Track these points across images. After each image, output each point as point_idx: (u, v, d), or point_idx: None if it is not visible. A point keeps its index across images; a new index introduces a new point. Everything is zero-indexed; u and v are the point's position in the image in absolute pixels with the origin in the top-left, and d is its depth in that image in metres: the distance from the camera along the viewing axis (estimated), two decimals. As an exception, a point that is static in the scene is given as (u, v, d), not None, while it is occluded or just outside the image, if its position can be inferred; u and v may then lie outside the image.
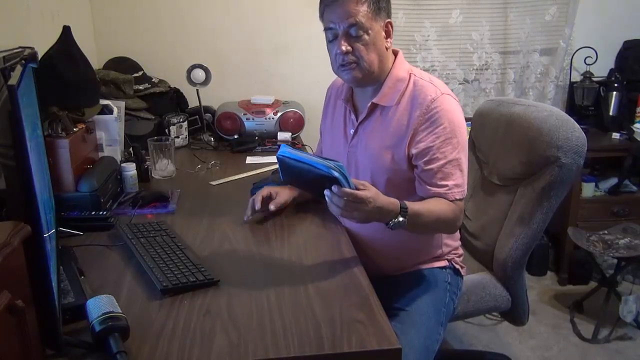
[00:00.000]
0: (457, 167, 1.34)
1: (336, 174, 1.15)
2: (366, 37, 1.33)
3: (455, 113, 1.35)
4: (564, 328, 2.38)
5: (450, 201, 1.33)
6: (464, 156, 1.36)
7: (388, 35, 1.38)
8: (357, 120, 1.47)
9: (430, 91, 1.36)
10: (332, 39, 1.37)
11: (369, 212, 1.18)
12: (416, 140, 1.35)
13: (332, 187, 1.16)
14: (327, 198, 1.18)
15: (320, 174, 1.16)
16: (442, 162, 1.33)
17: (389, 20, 1.38)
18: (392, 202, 1.24)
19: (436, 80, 1.41)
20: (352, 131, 1.48)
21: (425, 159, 1.34)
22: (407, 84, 1.40)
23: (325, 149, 1.64)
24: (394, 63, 1.42)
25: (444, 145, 1.33)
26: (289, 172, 1.27)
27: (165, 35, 2.60)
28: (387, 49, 1.39)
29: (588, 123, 2.77)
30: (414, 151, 1.35)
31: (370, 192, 1.18)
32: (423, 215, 1.29)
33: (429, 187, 1.35)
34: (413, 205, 1.27)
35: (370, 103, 1.42)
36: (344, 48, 1.33)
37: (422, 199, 1.36)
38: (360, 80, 1.38)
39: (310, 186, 1.29)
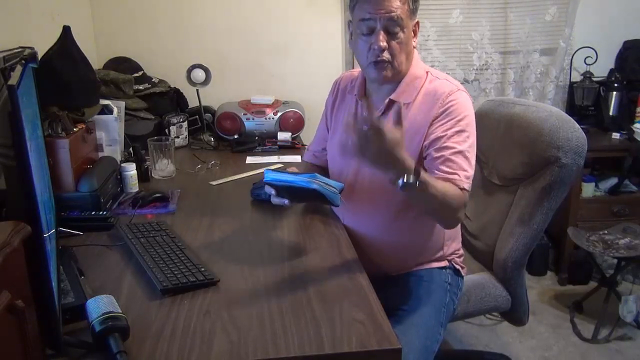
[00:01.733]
0: (467, 159, 1.32)
1: (315, 186, 1.24)
2: (401, 35, 1.32)
3: (469, 109, 1.36)
4: (564, 328, 2.38)
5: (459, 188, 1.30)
6: (473, 151, 1.35)
7: (415, 35, 1.39)
8: None
9: (446, 87, 1.37)
10: (366, 32, 1.34)
11: (381, 146, 1.10)
12: (430, 131, 1.35)
13: (358, 109, 1.15)
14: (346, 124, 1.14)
15: (303, 188, 1.26)
16: (451, 150, 1.31)
17: (418, 20, 1.38)
18: (408, 156, 1.16)
19: (452, 79, 1.43)
20: (365, 128, 1.46)
21: (435, 147, 1.33)
22: (424, 82, 1.40)
23: (331, 145, 1.59)
24: (411, 61, 1.42)
25: (456, 135, 1.32)
26: (281, 192, 1.35)
27: (165, 35, 2.60)
28: (413, 48, 1.40)
29: (588, 123, 2.76)
30: (426, 142, 1.35)
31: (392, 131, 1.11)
32: (433, 186, 1.21)
33: (437, 172, 1.31)
34: (425, 174, 1.20)
35: (387, 100, 1.41)
36: (382, 44, 1.31)
37: None
38: (389, 79, 1.39)
39: (305, 197, 1.38)
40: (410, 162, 1.16)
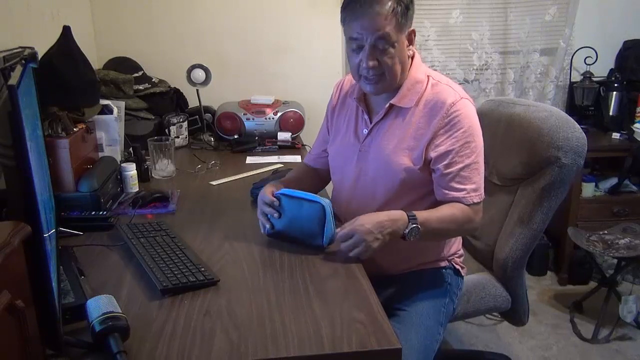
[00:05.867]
0: (475, 170, 1.35)
1: (324, 203, 1.31)
2: (392, 50, 1.30)
3: (473, 117, 1.36)
4: (564, 328, 2.38)
5: (468, 205, 1.35)
6: (481, 159, 1.37)
7: (410, 42, 1.37)
8: (371, 121, 1.45)
9: (449, 95, 1.35)
10: (355, 49, 1.34)
11: (371, 233, 1.26)
12: (435, 143, 1.35)
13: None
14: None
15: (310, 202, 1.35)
16: (460, 165, 1.34)
17: (412, 28, 1.35)
18: (394, 212, 1.29)
19: (454, 84, 1.41)
20: (365, 131, 1.46)
21: (444, 163, 1.34)
22: (425, 87, 1.39)
23: (333, 148, 1.58)
24: (411, 65, 1.40)
25: (463, 149, 1.33)
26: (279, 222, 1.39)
27: (166, 35, 2.60)
28: (408, 57, 1.38)
29: (588, 123, 2.77)
30: (433, 154, 1.35)
31: (356, 221, 1.28)
32: (435, 222, 1.32)
33: (446, 192, 1.36)
34: (421, 213, 1.31)
35: (388, 104, 1.40)
36: (371, 63, 1.31)
37: (438, 202, 1.38)
38: (382, 91, 1.39)
39: (298, 227, 1.38)
40: (399, 213, 1.30)
